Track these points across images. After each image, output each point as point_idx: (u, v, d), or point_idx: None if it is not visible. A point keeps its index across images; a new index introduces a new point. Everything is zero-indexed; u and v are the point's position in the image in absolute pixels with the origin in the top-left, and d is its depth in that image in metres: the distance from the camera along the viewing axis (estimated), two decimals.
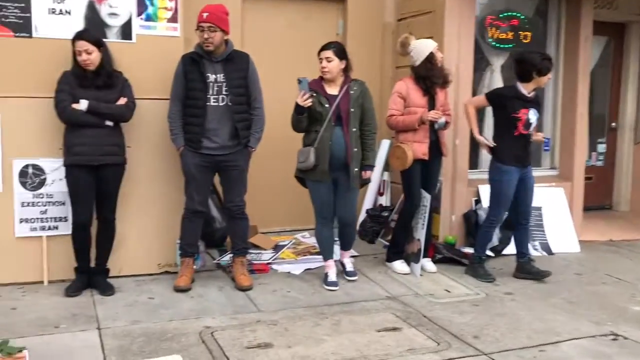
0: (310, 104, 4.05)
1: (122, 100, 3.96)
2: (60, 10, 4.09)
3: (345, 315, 3.78)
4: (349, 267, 4.48)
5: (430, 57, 4.45)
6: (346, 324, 3.65)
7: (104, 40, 4.03)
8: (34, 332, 3.39)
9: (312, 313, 3.80)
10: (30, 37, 4.05)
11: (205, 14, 3.95)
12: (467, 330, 3.61)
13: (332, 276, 4.34)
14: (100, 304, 3.86)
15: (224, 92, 4.04)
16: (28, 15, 4.02)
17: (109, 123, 3.92)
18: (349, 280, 4.38)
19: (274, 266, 4.73)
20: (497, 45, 5.67)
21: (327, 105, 4.10)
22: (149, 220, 4.41)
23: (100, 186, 3.98)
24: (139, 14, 4.27)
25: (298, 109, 4.08)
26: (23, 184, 4.09)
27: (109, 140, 3.94)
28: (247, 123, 4.15)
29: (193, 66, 4.05)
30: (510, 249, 5.06)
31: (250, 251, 4.91)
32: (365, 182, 4.44)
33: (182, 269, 4.24)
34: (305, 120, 4.13)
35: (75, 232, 3.99)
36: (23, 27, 4.02)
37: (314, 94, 4.10)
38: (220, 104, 4.05)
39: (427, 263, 4.75)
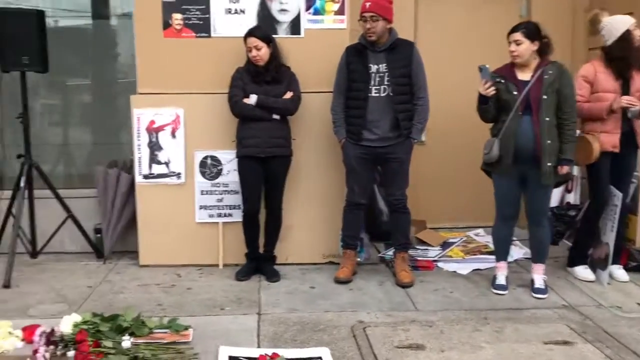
0: (493, 92, 3.74)
1: (288, 94, 4.07)
2: (236, 10, 4.32)
3: (511, 322, 3.46)
4: (539, 283, 3.91)
5: (626, 36, 3.88)
6: (510, 332, 3.33)
7: (274, 36, 4.17)
8: (202, 312, 3.64)
9: (474, 317, 3.55)
10: (209, 36, 4.34)
11: (367, 4, 3.88)
12: None
13: (501, 279, 4.01)
14: (265, 290, 4.02)
15: (385, 83, 3.94)
16: (207, 16, 4.31)
17: (275, 116, 4.05)
18: (536, 298, 3.85)
19: (440, 264, 4.52)
20: None
21: (515, 93, 3.72)
22: (315, 210, 4.49)
23: (268, 177, 4.14)
24: (307, 9, 4.35)
25: (480, 98, 3.80)
26: (203, 173, 4.42)
27: (275, 133, 4.07)
28: (409, 114, 4.00)
29: (356, 57, 4.01)
30: None
31: (417, 247, 4.78)
32: (564, 179, 3.93)
33: (344, 260, 4.25)
34: (491, 109, 3.81)
35: (245, 220, 4.21)
36: (203, 27, 4.33)
37: (502, 81, 3.78)
38: (382, 95, 3.95)
39: (618, 271, 4.17)
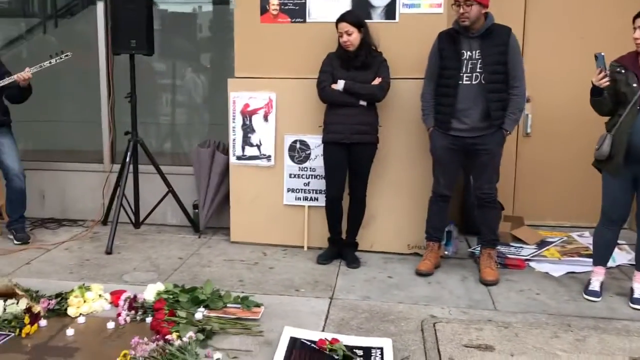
0: (606, 83, 3.43)
1: (377, 80, 4.01)
2: None
3: (596, 332, 3.20)
4: (639, 292, 3.60)
5: None
6: (593, 342, 3.08)
7: (368, 21, 4.12)
8: (277, 291, 3.73)
9: (556, 322, 3.32)
10: (304, 21, 4.38)
11: None
12: None
13: (595, 285, 3.70)
14: (343, 275, 4.03)
15: (478, 70, 3.76)
16: (303, 1, 4.35)
17: (362, 103, 4.02)
18: (633, 309, 3.52)
19: (532, 264, 4.26)
20: None
21: (634, 85, 3.38)
22: (401, 200, 4.41)
23: (352, 164, 4.13)
24: None
25: (594, 89, 3.49)
26: (291, 157, 4.50)
27: (361, 120, 4.04)
28: (502, 103, 3.78)
29: (448, 43, 3.86)
30: None
31: (511, 244, 4.55)
32: None
33: (426, 253, 4.15)
34: (606, 102, 3.49)
35: (327, 205, 4.24)
36: (299, 13, 4.37)
37: (622, 71, 3.46)
38: (473, 83, 3.78)
39: None
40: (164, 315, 3.17)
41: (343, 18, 4.00)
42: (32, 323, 3.09)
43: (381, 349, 2.94)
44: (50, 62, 4.36)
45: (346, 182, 4.21)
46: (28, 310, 3.16)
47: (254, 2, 4.42)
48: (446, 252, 4.41)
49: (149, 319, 3.20)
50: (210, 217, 4.84)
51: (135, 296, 3.34)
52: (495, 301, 3.63)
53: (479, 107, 3.79)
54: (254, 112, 4.51)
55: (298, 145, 4.48)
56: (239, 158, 4.57)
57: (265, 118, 4.50)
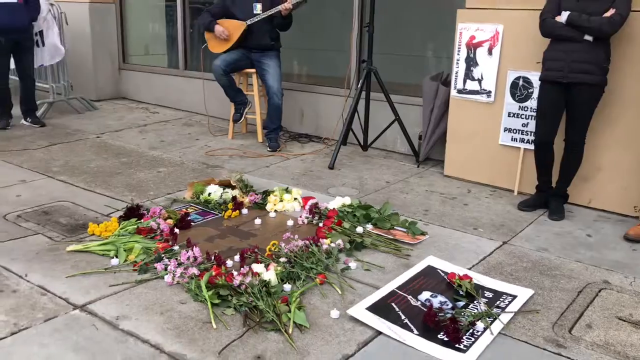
0: None
1: (610, 12, 3.48)
2: None
3: None
4: None
5: None
6: None
7: None
8: (455, 226, 3.70)
9: None
10: None
11: None
12: None
13: None
14: (536, 225, 3.75)
15: None
16: None
17: (587, 38, 3.55)
18: None
19: None
20: None
21: None
22: (633, 153, 3.82)
23: (570, 106, 3.73)
24: None
25: None
26: (512, 94, 4.24)
27: (584, 57, 3.58)
28: None
29: None
30: None
31: None
32: None
33: None
34: None
35: (536, 149, 3.93)
36: None
37: None
38: None
39: None
40: (331, 223, 3.51)
41: None
42: (234, 209, 3.77)
43: (515, 297, 2.77)
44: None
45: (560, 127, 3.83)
46: (234, 199, 3.85)
47: None
48: None
49: (321, 224, 3.58)
50: (430, 148, 4.92)
51: (316, 203, 3.75)
52: None
53: None
54: (479, 44, 4.35)
55: (521, 82, 4.19)
56: (459, 92, 4.51)
57: (490, 51, 4.30)
